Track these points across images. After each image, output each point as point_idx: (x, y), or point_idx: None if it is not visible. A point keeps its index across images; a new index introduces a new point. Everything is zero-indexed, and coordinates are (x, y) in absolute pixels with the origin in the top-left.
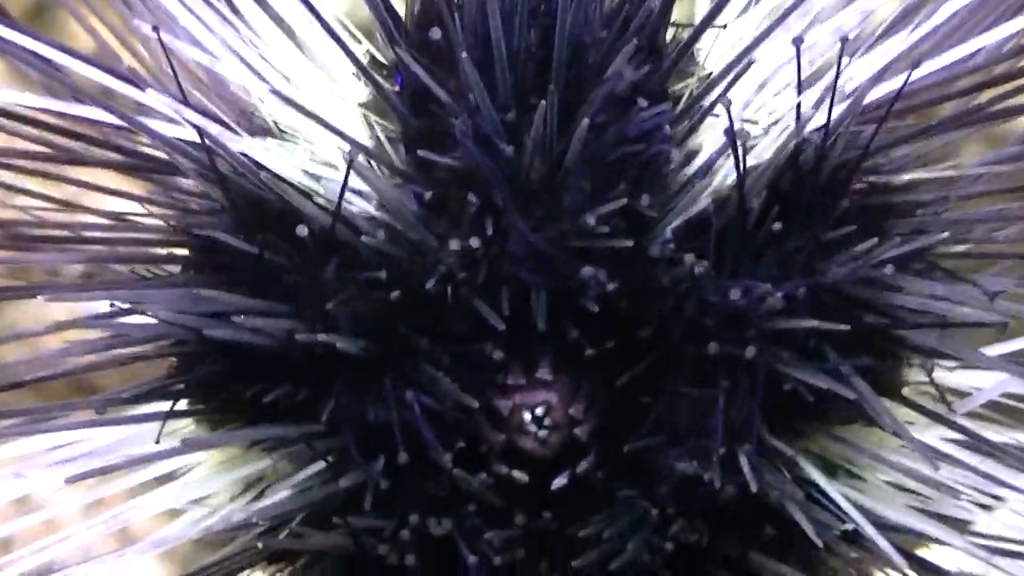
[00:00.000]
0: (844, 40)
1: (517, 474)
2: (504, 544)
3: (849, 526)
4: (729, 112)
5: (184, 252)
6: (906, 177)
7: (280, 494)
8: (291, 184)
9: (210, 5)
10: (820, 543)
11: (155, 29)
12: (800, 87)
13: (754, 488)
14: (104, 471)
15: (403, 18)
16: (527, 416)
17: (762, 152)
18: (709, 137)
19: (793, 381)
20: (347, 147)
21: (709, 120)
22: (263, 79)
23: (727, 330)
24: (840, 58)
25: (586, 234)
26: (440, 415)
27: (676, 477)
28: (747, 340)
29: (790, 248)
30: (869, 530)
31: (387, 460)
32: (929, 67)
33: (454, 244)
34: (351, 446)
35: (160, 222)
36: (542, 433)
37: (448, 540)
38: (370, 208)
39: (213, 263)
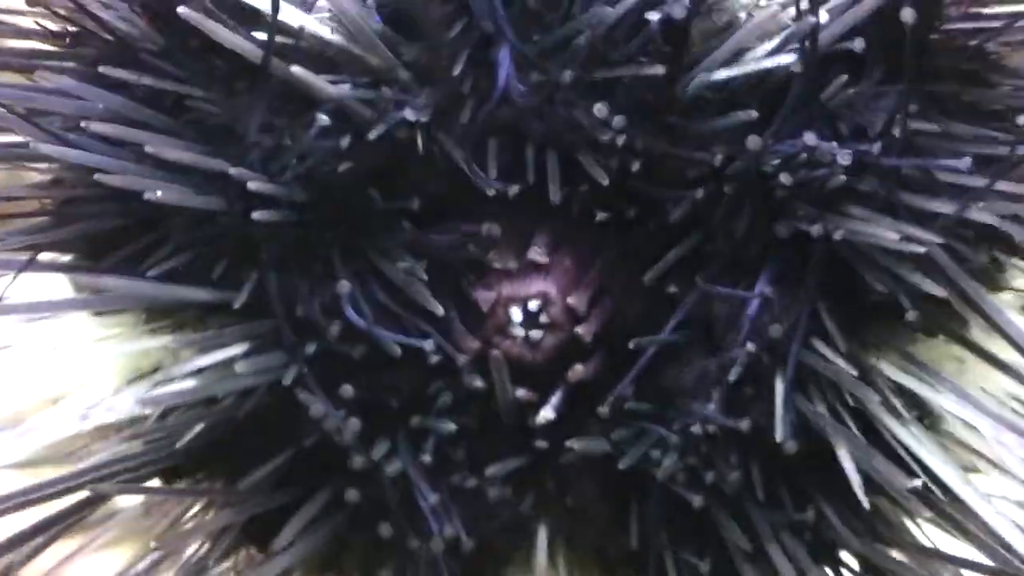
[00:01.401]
0: None
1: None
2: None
3: (917, 483)
4: None
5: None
6: None
7: (177, 383)
8: None
9: None
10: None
11: None
12: None
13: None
14: None
15: None
16: (515, 312)
17: None
18: None
19: (868, 269)
20: None
21: None
22: None
23: (787, 202)
24: None
25: (602, 59)
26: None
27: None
28: (813, 215)
29: (875, 104)
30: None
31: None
32: None
33: (426, 74)
34: (284, 330)
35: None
36: (534, 334)
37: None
38: (322, 29)
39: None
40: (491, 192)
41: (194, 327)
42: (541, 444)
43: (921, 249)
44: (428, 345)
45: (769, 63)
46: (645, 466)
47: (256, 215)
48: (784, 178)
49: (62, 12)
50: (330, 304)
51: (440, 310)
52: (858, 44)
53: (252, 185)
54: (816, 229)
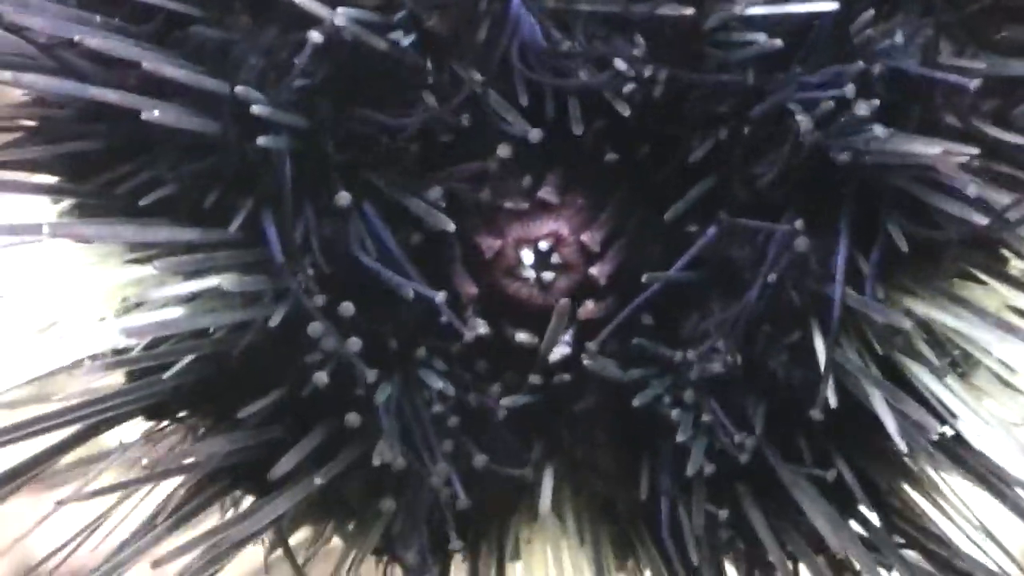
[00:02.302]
0: None
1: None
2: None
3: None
4: None
5: None
6: None
7: (165, 313)
8: None
9: None
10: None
11: None
12: None
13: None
14: None
15: None
16: (527, 254)
17: None
18: None
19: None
20: None
21: None
22: None
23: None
24: None
25: None
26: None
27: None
28: (841, 144)
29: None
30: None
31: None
32: None
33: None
34: (275, 264)
35: None
36: (546, 275)
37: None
38: None
39: None
40: (510, 123)
41: (180, 254)
42: (558, 379)
43: (964, 158)
44: (439, 296)
45: (805, 7)
46: (658, 408)
47: (260, 140)
48: (805, 123)
49: None
50: (331, 236)
51: (451, 227)
52: None
53: (256, 108)
54: (844, 156)
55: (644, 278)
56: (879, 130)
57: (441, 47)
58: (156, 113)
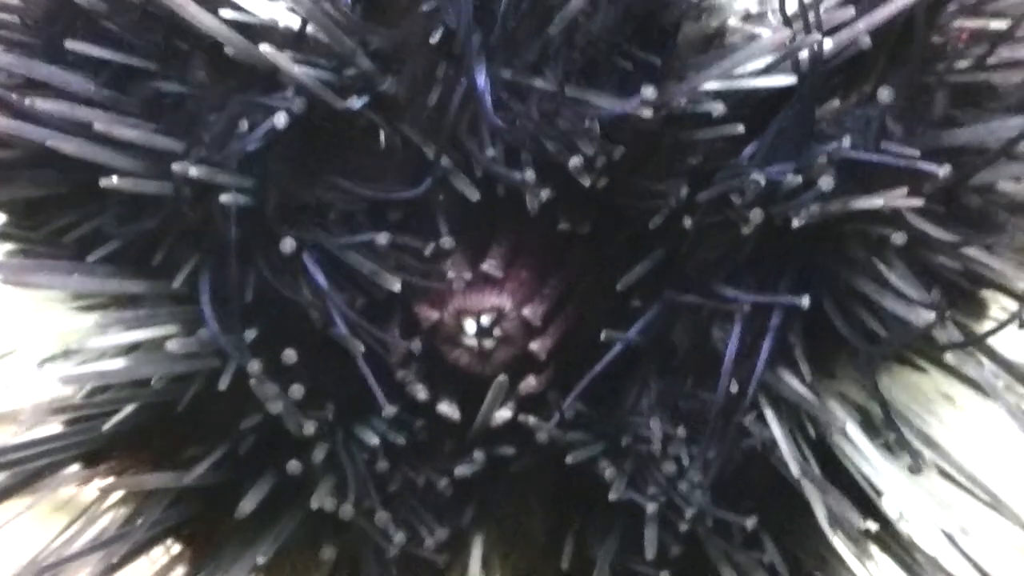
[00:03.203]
0: None
1: (444, 408)
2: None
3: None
4: None
5: None
6: None
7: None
8: None
9: None
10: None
11: None
12: None
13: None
14: None
15: None
16: (469, 324)
17: None
18: None
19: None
20: None
21: None
22: None
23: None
24: None
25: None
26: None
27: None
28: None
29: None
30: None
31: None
32: None
33: (391, 63)
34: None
35: None
36: (487, 343)
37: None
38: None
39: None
40: (466, 190)
41: (125, 305)
42: (490, 452)
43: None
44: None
45: (763, 82)
46: (593, 470)
47: (222, 198)
48: (755, 214)
49: None
50: (275, 289)
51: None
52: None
53: (205, 173)
54: (796, 220)
55: (603, 335)
56: (824, 182)
57: (394, 110)
58: (114, 180)
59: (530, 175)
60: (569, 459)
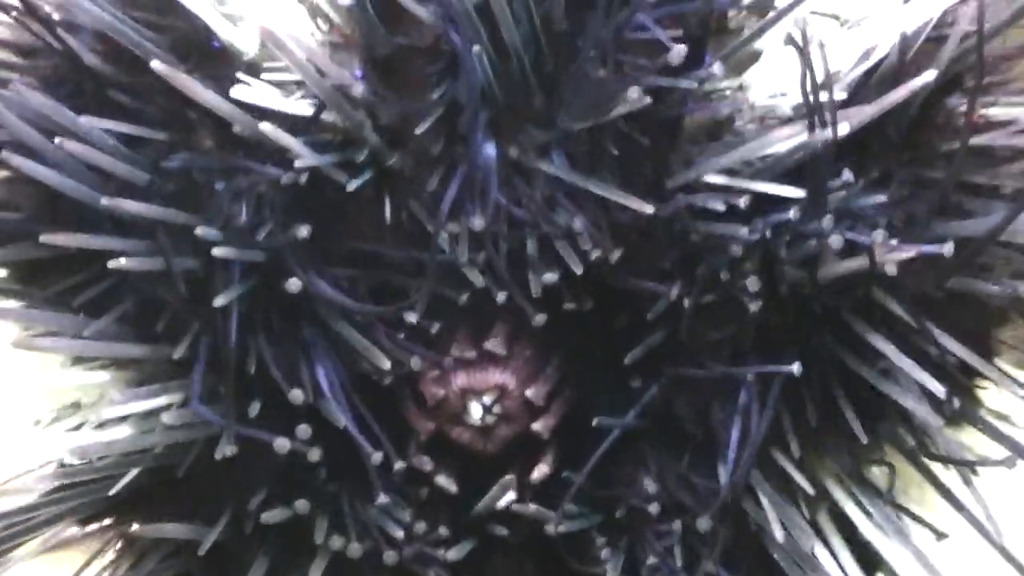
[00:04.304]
0: None
1: (442, 479)
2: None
3: None
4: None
5: None
6: None
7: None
8: None
9: None
10: None
11: None
12: None
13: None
14: None
15: None
16: (475, 407)
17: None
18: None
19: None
20: None
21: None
22: None
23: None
24: None
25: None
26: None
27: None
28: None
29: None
30: None
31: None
32: None
33: (399, 139)
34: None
35: None
36: (489, 419)
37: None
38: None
39: None
40: (463, 264)
41: (127, 367)
42: (491, 529)
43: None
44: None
45: (769, 189)
46: (588, 547)
47: (218, 300)
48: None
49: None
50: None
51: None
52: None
53: (218, 251)
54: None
55: (596, 422)
56: (835, 240)
57: (399, 186)
58: (123, 261)
59: (533, 254)
60: (562, 528)
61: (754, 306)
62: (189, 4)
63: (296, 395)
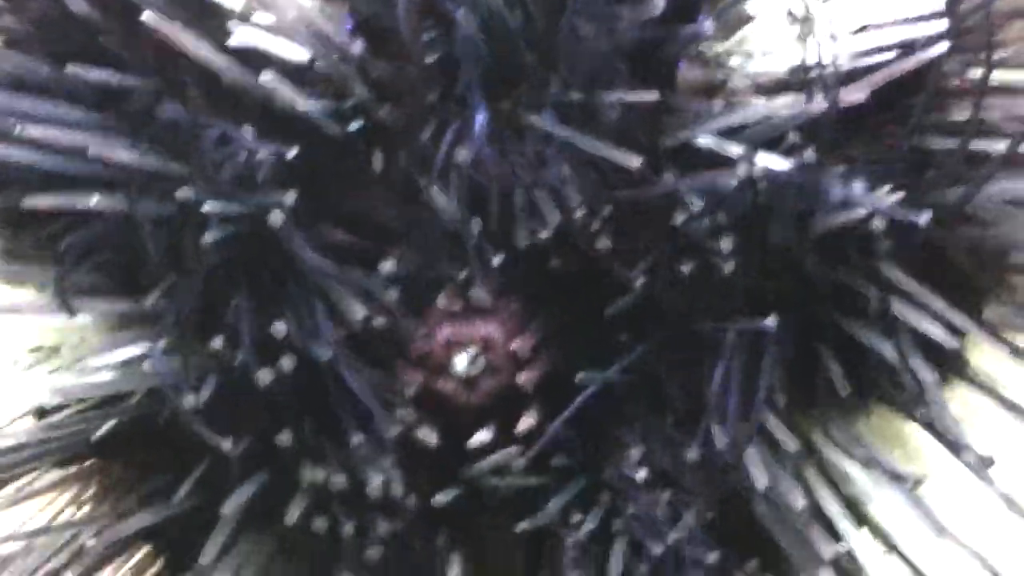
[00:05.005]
0: None
1: (425, 432)
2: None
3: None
4: None
5: None
6: None
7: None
8: None
9: None
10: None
11: None
12: None
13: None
14: None
15: None
16: (460, 359)
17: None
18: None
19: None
20: None
21: None
22: None
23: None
24: None
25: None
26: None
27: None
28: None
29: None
30: None
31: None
32: None
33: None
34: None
35: None
36: (472, 370)
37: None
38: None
39: None
40: (449, 221)
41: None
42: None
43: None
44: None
45: (761, 160)
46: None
47: (207, 236)
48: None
49: None
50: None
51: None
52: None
53: (207, 207)
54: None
55: (578, 378)
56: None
57: (390, 139)
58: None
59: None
60: (549, 508)
61: (728, 266)
62: None
63: (279, 328)
